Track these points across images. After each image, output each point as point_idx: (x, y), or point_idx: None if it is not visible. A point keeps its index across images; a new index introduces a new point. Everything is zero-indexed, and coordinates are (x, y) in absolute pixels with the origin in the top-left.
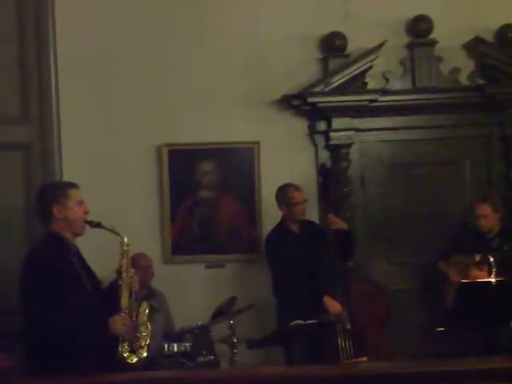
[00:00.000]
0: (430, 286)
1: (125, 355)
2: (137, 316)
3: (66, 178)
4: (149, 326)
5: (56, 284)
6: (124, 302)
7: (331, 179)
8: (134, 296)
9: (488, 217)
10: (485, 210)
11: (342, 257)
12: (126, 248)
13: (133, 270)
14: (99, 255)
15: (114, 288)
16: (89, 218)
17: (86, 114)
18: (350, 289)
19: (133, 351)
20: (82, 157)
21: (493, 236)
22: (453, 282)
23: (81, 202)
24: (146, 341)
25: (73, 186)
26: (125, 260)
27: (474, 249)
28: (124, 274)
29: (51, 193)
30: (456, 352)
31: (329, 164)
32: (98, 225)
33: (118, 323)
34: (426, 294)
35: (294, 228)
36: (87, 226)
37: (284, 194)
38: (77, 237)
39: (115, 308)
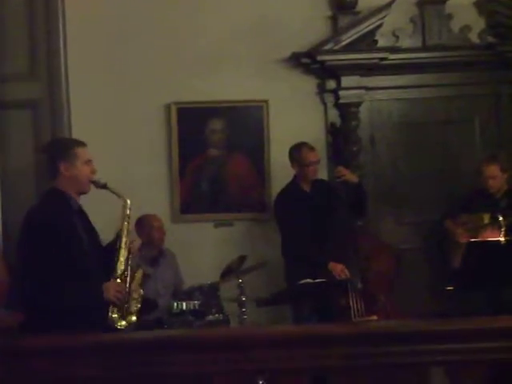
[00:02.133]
0: (435, 245)
1: (114, 319)
2: (131, 282)
3: (75, 136)
4: (141, 292)
5: (53, 244)
6: (120, 266)
7: (340, 138)
8: (130, 261)
9: (496, 177)
10: (493, 170)
11: (355, 213)
12: (127, 212)
13: (134, 235)
14: (103, 215)
15: (113, 248)
16: (95, 177)
17: (94, 72)
18: (360, 248)
19: (122, 317)
20: (91, 115)
21: (500, 196)
22: (459, 242)
23: (88, 161)
24: (136, 306)
25: (81, 144)
26: (126, 224)
27: (481, 209)
28: (124, 239)
29: (59, 150)
30: (463, 311)
31: (338, 123)
32: (103, 186)
33: (112, 289)
34: (431, 252)
35: (306, 187)
36: (92, 186)
37: (298, 153)
38: (81, 195)
39: (112, 268)
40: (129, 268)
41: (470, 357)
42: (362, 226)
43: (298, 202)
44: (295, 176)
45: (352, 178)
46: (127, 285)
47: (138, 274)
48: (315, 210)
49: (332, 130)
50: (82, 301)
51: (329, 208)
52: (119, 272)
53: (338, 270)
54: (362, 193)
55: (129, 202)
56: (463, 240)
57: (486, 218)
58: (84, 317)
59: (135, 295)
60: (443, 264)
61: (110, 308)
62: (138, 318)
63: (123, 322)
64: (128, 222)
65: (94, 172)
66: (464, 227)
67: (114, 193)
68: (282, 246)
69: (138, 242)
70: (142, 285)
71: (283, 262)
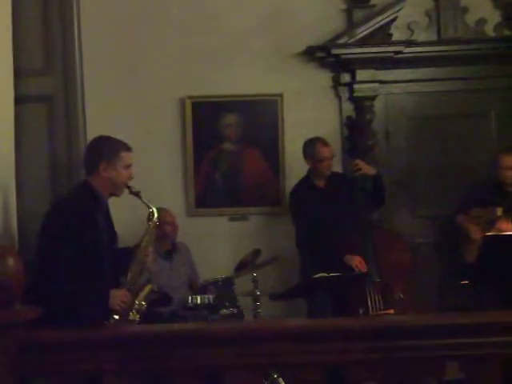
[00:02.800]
0: (449, 240)
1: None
2: (137, 294)
3: (89, 131)
4: (144, 306)
5: (72, 238)
6: (131, 277)
7: (356, 131)
8: (142, 274)
9: None
10: (510, 161)
11: (374, 203)
12: (151, 225)
13: (151, 249)
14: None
15: (127, 256)
16: (130, 183)
17: (109, 66)
18: (376, 241)
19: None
20: (106, 109)
21: None
22: (473, 237)
23: (129, 166)
24: (134, 317)
25: (126, 148)
26: (147, 237)
27: (493, 202)
28: (142, 251)
29: (103, 150)
30: (478, 305)
31: (353, 116)
32: (136, 194)
33: (118, 298)
34: (446, 247)
35: (320, 183)
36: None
37: (311, 148)
38: (112, 196)
39: (121, 274)
40: (139, 280)
41: (485, 351)
42: (377, 219)
43: (311, 199)
44: (309, 171)
45: (370, 170)
46: (134, 297)
47: (147, 289)
48: (328, 207)
49: (348, 124)
50: (87, 302)
51: (345, 201)
52: (130, 283)
53: (356, 262)
54: (380, 184)
55: (156, 215)
56: (477, 236)
57: (499, 211)
58: (85, 318)
59: (137, 306)
60: (457, 259)
61: (112, 314)
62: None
63: None
64: (150, 236)
65: (131, 178)
66: (476, 221)
67: (144, 202)
68: (296, 239)
69: (152, 258)
70: (146, 298)
71: (298, 255)
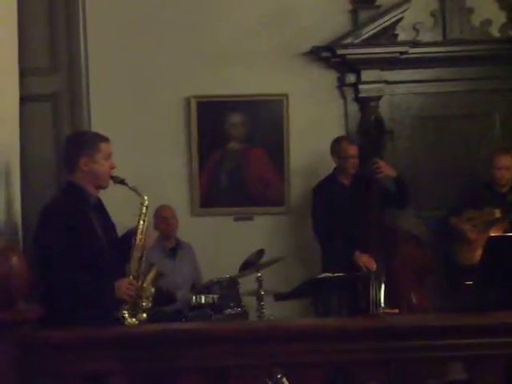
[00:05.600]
0: (442, 242)
1: (125, 316)
2: (143, 279)
3: (94, 129)
4: (152, 290)
5: (68, 240)
6: (134, 263)
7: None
8: (144, 259)
9: (509, 169)
10: (506, 161)
11: (395, 206)
12: (144, 210)
13: (150, 229)
14: (123, 209)
15: (127, 241)
16: (114, 173)
17: (114, 65)
18: (386, 240)
19: (133, 314)
20: (111, 108)
21: (507, 190)
22: (468, 238)
23: (109, 156)
24: (147, 304)
25: (104, 139)
26: (142, 222)
27: (487, 203)
28: (139, 236)
29: (80, 144)
30: (482, 306)
31: (358, 117)
32: (121, 182)
33: (123, 287)
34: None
35: (345, 181)
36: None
37: (337, 146)
38: (99, 189)
39: (126, 260)
40: (142, 266)
41: (488, 351)
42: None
43: (334, 196)
44: (335, 169)
45: (391, 171)
46: (140, 283)
47: (152, 273)
48: (350, 206)
49: (375, 124)
50: (93, 297)
51: (366, 202)
52: (133, 270)
53: (364, 260)
54: (403, 186)
55: (146, 199)
56: (472, 236)
57: (497, 213)
58: (95, 313)
59: (147, 293)
60: (449, 260)
61: (122, 306)
62: (148, 315)
63: (133, 320)
64: (144, 221)
65: (113, 167)
66: (471, 223)
67: (132, 189)
68: (318, 234)
69: (153, 237)
70: (154, 283)
71: (302, 255)
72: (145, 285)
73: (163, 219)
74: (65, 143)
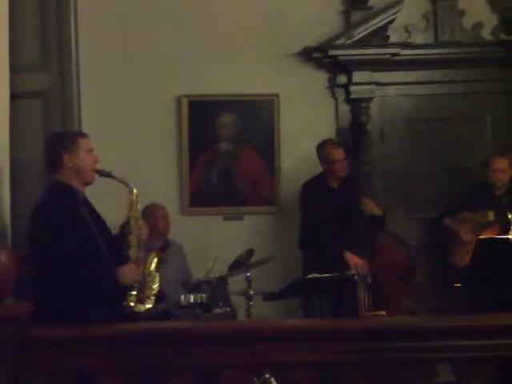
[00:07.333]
0: (437, 243)
1: (132, 304)
2: (144, 266)
3: (85, 128)
4: (157, 276)
5: (63, 236)
6: (133, 252)
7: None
8: (142, 246)
9: (505, 172)
10: (503, 164)
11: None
12: (134, 198)
13: (141, 222)
14: (110, 205)
15: (121, 239)
16: (99, 167)
17: (105, 63)
18: (373, 243)
19: (140, 301)
20: (102, 106)
21: (502, 193)
22: (463, 240)
23: (90, 151)
24: (153, 290)
25: (82, 135)
26: (133, 211)
27: (483, 206)
28: (133, 225)
29: (61, 141)
30: (471, 308)
31: (349, 118)
32: (107, 175)
33: (127, 272)
34: (439, 250)
35: (334, 184)
36: (97, 176)
37: (322, 151)
38: (86, 186)
39: (123, 256)
40: (141, 252)
41: (476, 354)
42: None
43: (322, 199)
44: (324, 170)
45: (378, 211)
46: (141, 269)
47: (152, 257)
48: (339, 209)
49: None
50: (100, 288)
51: (354, 205)
52: (133, 257)
53: (354, 262)
54: (382, 223)
55: (135, 189)
56: (467, 238)
57: (491, 215)
58: (101, 304)
59: (151, 279)
60: (444, 262)
61: (128, 293)
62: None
63: (141, 307)
64: (135, 210)
65: (96, 161)
66: (465, 225)
67: (119, 181)
68: (300, 236)
69: (145, 230)
70: (157, 268)
71: (292, 255)
72: (147, 271)
73: (156, 218)
74: (46, 144)
